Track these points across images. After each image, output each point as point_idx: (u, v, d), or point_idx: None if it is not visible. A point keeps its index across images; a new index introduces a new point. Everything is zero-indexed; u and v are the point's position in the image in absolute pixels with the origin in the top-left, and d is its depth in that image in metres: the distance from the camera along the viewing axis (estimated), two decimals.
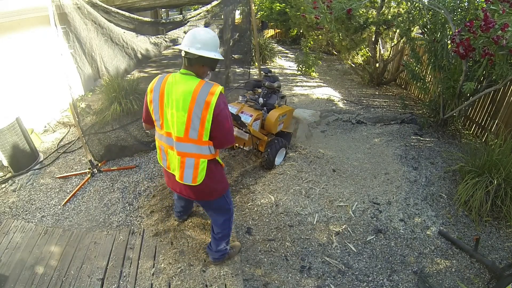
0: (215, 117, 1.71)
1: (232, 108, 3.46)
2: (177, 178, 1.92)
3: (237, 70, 5.66)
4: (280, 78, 7.50)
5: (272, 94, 3.65)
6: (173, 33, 3.85)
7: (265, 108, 3.58)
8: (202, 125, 1.72)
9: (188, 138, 1.77)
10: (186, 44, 1.76)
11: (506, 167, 2.93)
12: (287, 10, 7.82)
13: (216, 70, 5.09)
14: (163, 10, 12.59)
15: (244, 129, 2.99)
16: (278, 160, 3.70)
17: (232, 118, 2.59)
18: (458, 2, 3.96)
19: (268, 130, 3.53)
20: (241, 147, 3.63)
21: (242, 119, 3.27)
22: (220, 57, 1.83)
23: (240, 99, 3.70)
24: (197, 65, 1.79)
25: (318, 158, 3.91)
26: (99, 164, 3.77)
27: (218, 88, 1.72)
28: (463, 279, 2.46)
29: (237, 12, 6.38)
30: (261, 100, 3.53)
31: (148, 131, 4.34)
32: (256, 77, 3.87)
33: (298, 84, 7.04)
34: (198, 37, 1.74)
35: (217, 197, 2.06)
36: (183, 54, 1.78)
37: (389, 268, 2.53)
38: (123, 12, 3.42)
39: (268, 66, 8.54)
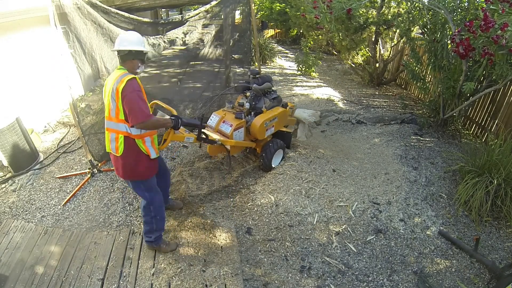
0: (123, 98, 2.07)
1: (216, 117, 3.35)
2: (108, 149, 2.31)
3: (237, 70, 5.65)
4: (280, 78, 7.51)
5: (262, 97, 3.52)
6: (172, 34, 3.84)
7: (252, 113, 3.46)
8: (117, 106, 2.12)
9: (110, 116, 2.20)
10: (116, 45, 2.19)
11: (506, 167, 2.93)
12: (287, 10, 7.82)
13: (216, 70, 5.11)
14: (163, 10, 12.59)
15: (215, 143, 2.92)
16: (275, 161, 3.66)
17: (204, 140, 2.70)
18: (458, 2, 3.96)
19: (254, 136, 3.41)
20: (228, 154, 3.46)
21: (222, 128, 3.22)
22: (146, 49, 2.24)
23: (227, 105, 3.60)
24: (128, 60, 2.19)
25: (318, 158, 3.91)
26: (99, 164, 3.77)
27: (126, 78, 2.07)
28: (463, 279, 2.46)
29: (237, 12, 6.38)
30: (247, 105, 3.41)
31: None
32: (242, 81, 3.79)
33: (298, 84, 7.04)
34: (124, 38, 2.19)
35: (132, 179, 2.33)
36: (116, 54, 2.21)
37: (389, 268, 2.53)
38: (122, 13, 3.42)
39: (268, 66, 8.54)
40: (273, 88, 3.67)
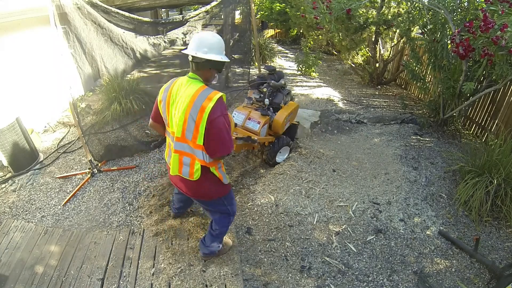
0: (209, 122, 1.73)
1: (240, 114, 3.47)
2: (175, 173, 1.98)
3: (237, 70, 5.67)
4: None
5: (278, 93, 3.63)
6: (172, 34, 3.85)
7: (271, 108, 3.56)
8: (196, 128, 1.76)
9: (184, 138, 1.83)
10: (192, 48, 1.78)
11: (506, 167, 2.93)
12: (287, 10, 7.82)
13: None
14: (163, 10, 12.60)
15: (256, 143, 3.04)
16: (280, 157, 3.74)
17: (244, 139, 2.63)
18: (458, 2, 3.96)
19: (276, 131, 3.53)
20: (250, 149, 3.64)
21: (249, 126, 3.37)
22: (227, 59, 1.87)
23: (246, 101, 3.69)
24: (205, 69, 1.83)
25: (318, 158, 3.91)
26: (99, 164, 3.77)
27: (216, 95, 1.74)
28: (463, 279, 2.46)
29: (237, 12, 6.38)
30: (267, 101, 3.50)
31: (148, 131, 4.34)
32: (255, 77, 3.83)
33: (298, 84, 7.03)
34: (205, 41, 1.78)
35: (212, 199, 2.09)
36: (190, 58, 1.81)
37: (389, 268, 2.53)
38: (123, 12, 3.42)
39: None
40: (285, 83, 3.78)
